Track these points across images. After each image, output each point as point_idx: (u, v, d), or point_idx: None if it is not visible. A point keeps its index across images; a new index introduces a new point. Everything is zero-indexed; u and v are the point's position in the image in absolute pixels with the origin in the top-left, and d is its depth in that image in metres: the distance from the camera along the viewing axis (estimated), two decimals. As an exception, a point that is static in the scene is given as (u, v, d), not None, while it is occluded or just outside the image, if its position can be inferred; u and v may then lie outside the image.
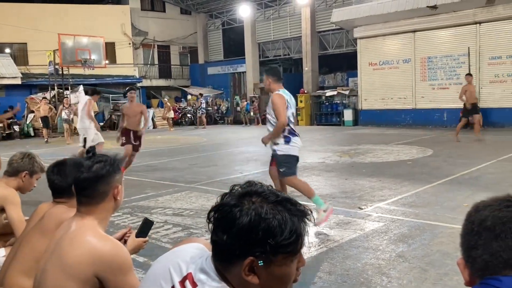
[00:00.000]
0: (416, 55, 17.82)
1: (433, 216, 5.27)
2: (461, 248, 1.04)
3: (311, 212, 1.15)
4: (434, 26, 16.98)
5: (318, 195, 5.13)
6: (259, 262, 1.06)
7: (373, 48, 18.93)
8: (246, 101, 24.25)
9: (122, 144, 8.75)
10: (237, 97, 26.26)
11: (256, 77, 25.19)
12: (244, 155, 11.42)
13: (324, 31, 22.71)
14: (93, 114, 9.67)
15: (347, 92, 20.86)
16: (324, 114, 21.76)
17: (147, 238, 2.18)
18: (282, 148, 5.06)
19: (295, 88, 23.20)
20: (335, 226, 5.09)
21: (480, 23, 16.00)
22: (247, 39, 25.43)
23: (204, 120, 23.38)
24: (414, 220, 5.20)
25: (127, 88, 8.83)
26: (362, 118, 19.70)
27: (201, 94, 24.86)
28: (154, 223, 2.71)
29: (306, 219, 1.12)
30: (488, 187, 6.68)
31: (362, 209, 5.75)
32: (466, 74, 12.53)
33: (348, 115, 20.24)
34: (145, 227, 2.18)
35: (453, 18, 16.41)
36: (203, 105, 24.13)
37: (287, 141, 5.06)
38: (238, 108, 25.38)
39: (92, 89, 10.22)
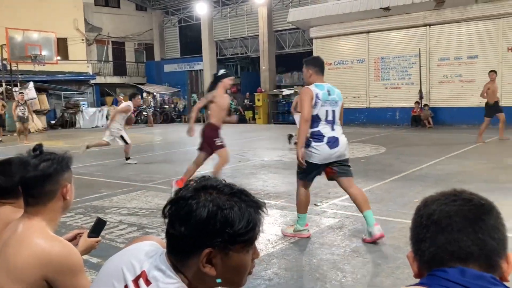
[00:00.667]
0: (370, 56, 18.29)
1: (385, 211, 5.42)
2: (410, 241, 1.07)
3: (265, 204, 1.16)
4: (387, 28, 17.48)
5: (305, 215, 4.66)
6: (217, 252, 1.08)
7: (329, 48, 19.26)
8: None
9: (219, 147, 6.48)
10: (195, 95, 26.05)
11: (214, 75, 25.10)
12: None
13: (281, 31, 22.90)
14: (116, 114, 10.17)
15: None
16: (282, 112, 21.96)
17: (99, 238, 2.13)
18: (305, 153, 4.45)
19: (252, 87, 23.33)
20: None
21: (430, 25, 16.61)
22: (204, 37, 25.28)
23: (151, 118, 23.23)
24: (367, 216, 5.33)
25: (223, 71, 6.95)
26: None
27: (148, 93, 24.72)
28: (107, 222, 2.65)
29: (261, 211, 1.14)
30: (438, 183, 6.95)
31: (317, 206, 5.84)
32: (490, 71, 11.63)
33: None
34: (98, 227, 2.12)
35: (404, 20, 16.95)
36: (152, 103, 24.07)
37: (307, 144, 4.39)
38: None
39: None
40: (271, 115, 22.20)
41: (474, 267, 0.97)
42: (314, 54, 19.63)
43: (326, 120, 4.40)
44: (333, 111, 4.42)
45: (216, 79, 6.56)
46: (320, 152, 4.38)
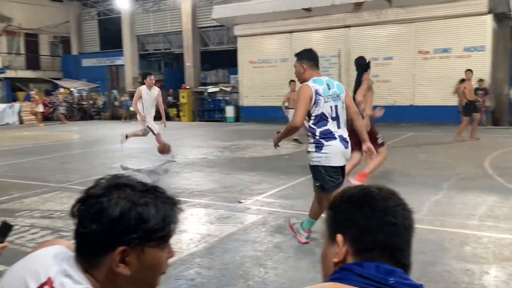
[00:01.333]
0: (293, 55, 18.63)
1: (307, 207, 5.51)
2: (348, 228, 1.05)
3: (180, 201, 1.13)
4: (309, 28, 17.93)
5: (314, 221, 4.24)
6: (131, 250, 1.03)
7: (253, 47, 19.41)
8: (126, 95, 23.28)
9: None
10: (115, 91, 25.11)
11: (136, 70, 24.34)
12: (123, 152, 10.93)
13: (205, 27, 22.72)
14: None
15: (229, 89, 21.14)
16: (207, 110, 21.80)
17: (5, 244, 1.93)
18: (313, 157, 3.97)
19: (177, 83, 22.93)
20: (215, 221, 5.10)
21: (349, 27, 17.29)
22: (125, 31, 24.44)
23: (61, 116, 22.24)
24: (290, 211, 5.42)
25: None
26: (244, 114, 20.11)
27: (65, 89, 23.65)
28: (16, 226, 2.43)
29: (176, 207, 1.11)
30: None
31: (241, 202, 5.84)
32: (467, 70, 11.73)
33: (230, 111, 20.54)
34: (2, 231, 1.93)
35: (325, 21, 17.49)
36: (69, 99, 23.09)
37: (319, 147, 3.91)
38: (116, 103, 24.28)
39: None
40: (196, 113, 21.97)
41: (390, 262, 1.00)
42: (239, 52, 19.76)
43: (332, 118, 3.93)
44: (336, 107, 3.94)
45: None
46: (337, 150, 3.88)
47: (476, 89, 15.12)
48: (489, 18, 14.91)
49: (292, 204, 5.74)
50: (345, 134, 4.02)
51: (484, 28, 15.03)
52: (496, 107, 16.38)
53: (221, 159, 9.69)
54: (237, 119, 20.29)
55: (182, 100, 21.50)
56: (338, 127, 3.96)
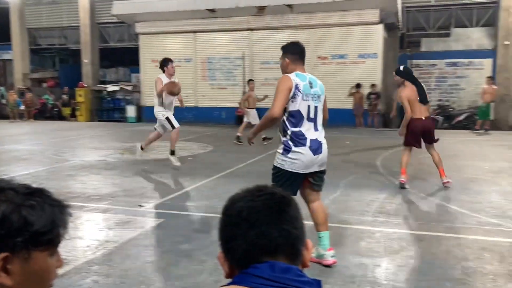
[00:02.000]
0: (197, 55, 18.55)
1: (211, 208, 5.49)
2: (220, 241, 1.07)
3: (69, 205, 1.04)
4: (213, 29, 17.92)
5: (325, 233, 3.83)
6: (15, 257, 0.92)
7: (156, 45, 18.94)
8: (14, 93, 21.42)
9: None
10: (2, 89, 23.00)
11: (26, 66, 22.54)
12: (11, 154, 10.04)
13: (105, 23, 21.70)
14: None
15: (130, 88, 20.41)
16: (106, 109, 20.81)
17: None
18: (278, 159, 3.68)
19: (73, 81, 21.63)
20: (115, 226, 4.85)
21: (253, 29, 17.57)
22: (14, 23, 22.48)
23: None
24: (194, 213, 5.34)
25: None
26: (146, 114, 19.50)
27: None
28: None
29: (65, 210, 1.02)
30: (260, 178, 7.33)
31: (142, 206, 5.63)
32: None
33: (131, 111, 19.82)
34: None
35: (230, 23, 17.61)
36: None
37: (286, 150, 3.60)
38: (4, 101, 22.27)
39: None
40: (95, 112, 20.89)
41: (282, 259, 1.00)
42: (141, 50, 19.17)
43: (309, 118, 3.60)
44: (316, 108, 3.61)
45: None
46: (304, 158, 3.56)
47: (369, 94, 16.22)
48: (380, 28, 16.05)
49: (196, 206, 5.66)
50: (322, 137, 3.69)
51: (376, 37, 16.15)
52: (386, 110, 17.69)
53: (121, 162, 9.29)
54: (139, 119, 19.65)
55: (79, 99, 20.32)
56: (315, 129, 3.65)
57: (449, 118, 17.39)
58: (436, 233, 4.57)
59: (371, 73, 16.32)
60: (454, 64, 19.08)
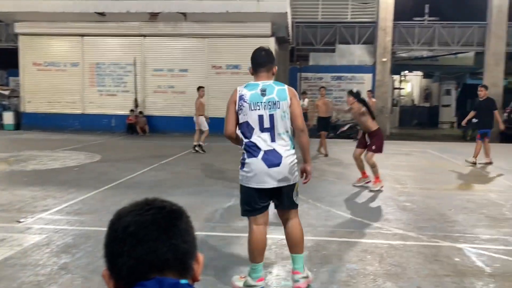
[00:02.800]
0: (84, 60, 17.59)
1: (98, 222, 5.18)
2: (105, 258, 1.00)
3: None
4: (103, 33, 17.16)
5: (258, 265, 3.47)
6: None
7: (38, 47, 17.63)
8: None
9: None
10: None
11: None
12: None
13: (-22, 21, 19.68)
14: None
15: (7, 93, 18.70)
16: (-21, 115, 18.82)
17: None
18: (239, 173, 3.43)
19: None
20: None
21: (145, 36, 17.14)
22: None
23: None
24: (79, 228, 4.99)
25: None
26: (25, 121, 18.02)
27: None
28: None
29: None
30: (152, 188, 7.13)
31: (21, 222, 5.14)
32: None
33: (8, 118, 18.13)
34: None
35: (121, 27, 16.99)
36: None
37: (241, 163, 3.38)
38: None
39: None
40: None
41: (171, 275, 0.97)
42: (20, 52, 17.68)
43: (262, 129, 3.31)
44: (271, 116, 3.29)
45: None
46: (257, 170, 3.28)
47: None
48: (272, 41, 16.61)
49: (81, 220, 5.29)
50: (282, 149, 3.34)
51: (268, 49, 16.68)
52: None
53: (-4, 173, 8.42)
54: (17, 126, 18.05)
55: None
56: (272, 140, 3.31)
57: (334, 128, 18.51)
58: (323, 238, 4.79)
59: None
60: (339, 78, 20.42)
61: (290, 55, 20.30)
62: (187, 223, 1.05)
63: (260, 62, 3.49)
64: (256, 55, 3.53)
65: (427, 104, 31.47)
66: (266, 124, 3.30)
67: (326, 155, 11.46)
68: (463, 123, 11.41)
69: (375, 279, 3.73)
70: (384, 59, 19.42)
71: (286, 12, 15.60)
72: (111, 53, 17.49)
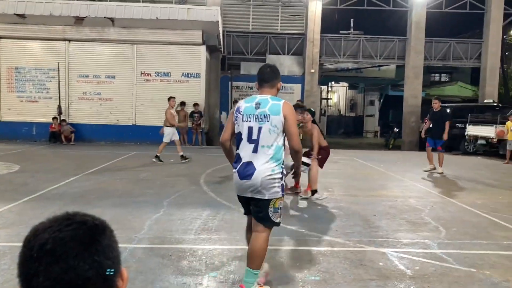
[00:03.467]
0: (1, 64, 16.51)
1: (15, 237, 4.83)
2: (19, 278, 0.92)
3: None
4: (23, 36, 16.21)
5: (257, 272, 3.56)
6: None
7: None
8: None
9: None
10: None
11: None
12: None
13: None
14: None
15: None
16: None
17: None
18: None
19: None
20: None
21: (69, 40, 16.40)
22: None
23: None
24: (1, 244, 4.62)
25: None
26: None
27: None
28: None
29: None
30: (76, 200, 6.79)
31: None
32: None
33: None
34: None
35: (42, 31, 16.15)
36: None
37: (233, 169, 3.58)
38: None
39: None
40: None
41: None
42: None
43: (250, 140, 3.44)
44: (259, 128, 3.40)
45: None
46: (234, 180, 3.53)
47: (192, 112, 16.55)
48: (203, 49, 16.56)
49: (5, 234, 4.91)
50: (260, 162, 3.39)
51: (199, 57, 16.61)
52: (209, 129, 18.25)
53: None
54: None
55: None
56: (255, 151, 3.41)
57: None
58: (254, 247, 4.80)
59: (195, 92, 16.69)
60: (269, 87, 20.68)
61: (222, 63, 20.35)
62: (111, 238, 1.01)
63: (265, 78, 3.63)
64: (261, 71, 3.69)
65: (352, 114, 32.88)
66: (254, 136, 3.42)
67: None
68: (422, 134, 11.88)
69: (304, 286, 3.78)
70: (312, 70, 20.02)
71: (217, 21, 15.63)
72: (32, 57, 16.55)
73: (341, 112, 33.77)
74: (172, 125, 11.40)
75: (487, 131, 15.34)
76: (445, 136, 11.09)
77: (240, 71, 20.84)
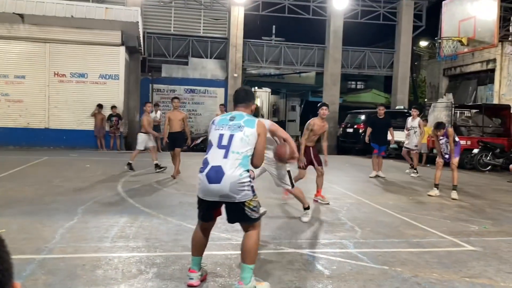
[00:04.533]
0: None
1: None
2: None
3: None
4: None
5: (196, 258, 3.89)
6: None
7: None
8: None
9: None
10: None
11: None
12: None
13: None
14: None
15: None
16: None
17: None
18: None
19: None
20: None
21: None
22: None
23: None
24: None
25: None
26: None
27: None
28: None
29: None
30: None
31: None
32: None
33: None
34: None
35: None
36: None
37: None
38: None
39: None
40: None
41: None
42: None
43: (220, 145, 3.55)
44: (231, 136, 3.54)
45: None
46: (201, 183, 3.56)
47: (110, 115, 15.93)
48: (122, 50, 16.02)
49: None
50: (228, 166, 3.47)
51: (118, 58, 16.04)
52: (128, 133, 17.65)
53: None
54: None
55: None
56: (225, 156, 3.50)
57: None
58: (174, 253, 4.67)
59: (113, 95, 16.09)
60: (192, 91, 20.59)
61: (142, 66, 19.83)
62: (1, 249, 0.93)
63: (239, 99, 3.89)
64: (237, 93, 3.96)
65: (275, 119, 33.48)
66: (224, 142, 3.55)
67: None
68: (366, 140, 11.72)
69: (224, 291, 3.73)
70: (236, 75, 20.14)
71: (137, 22, 15.21)
72: None
73: (264, 117, 34.31)
74: (146, 132, 10.68)
75: (399, 136, 16.32)
76: (392, 141, 11.65)
77: (161, 74, 20.44)
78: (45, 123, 15.73)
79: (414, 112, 12.53)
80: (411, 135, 12.45)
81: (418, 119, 12.46)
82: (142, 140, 10.71)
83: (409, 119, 12.74)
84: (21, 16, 14.72)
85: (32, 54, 15.60)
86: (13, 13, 14.47)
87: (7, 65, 15.43)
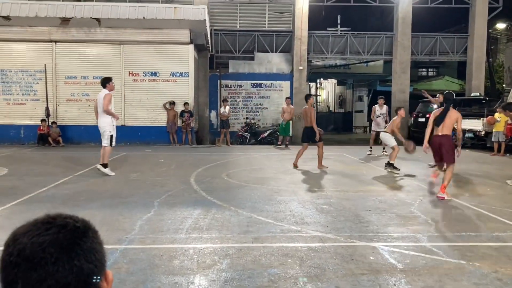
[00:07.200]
0: (-11, 65, 16.32)
1: (2, 242, 4.78)
2: (1, 284, 0.91)
3: None
4: (8, 38, 16.01)
5: None
6: None
7: None
8: None
9: None
10: None
11: None
12: None
13: None
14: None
15: None
16: None
17: None
18: None
19: None
20: None
21: (56, 41, 16.25)
22: None
23: None
24: (-18, 249, 4.57)
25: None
26: None
27: None
28: None
29: None
30: (65, 202, 6.74)
31: None
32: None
33: None
34: None
35: (28, 33, 15.98)
36: None
37: None
38: None
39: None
40: None
41: None
42: None
43: None
44: None
45: None
46: None
47: (182, 112, 16.49)
48: (191, 48, 16.50)
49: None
50: None
51: (187, 56, 16.54)
52: (199, 128, 18.20)
53: None
54: None
55: None
56: None
57: (255, 135, 18.75)
58: (245, 244, 4.80)
59: (183, 92, 16.62)
60: (258, 85, 20.75)
61: (210, 62, 20.30)
62: (94, 240, 0.98)
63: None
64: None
65: (341, 110, 32.97)
66: None
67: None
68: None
69: (296, 282, 3.80)
70: (301, 67, 20.05)
71: (205, 20, 15.58)
72: (18, 60, 16.37)
73: (330, 109, 33.87)
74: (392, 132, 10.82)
75: (474, 124, 15.49)
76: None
77: (228, 70, 20.81)
78: (122, 121, 16.58)
79: (381, 100, 14.19)
80: (380, 121, 14.02)
81: (385, 106, 14.20)
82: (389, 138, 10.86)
83: (377, 106, 14.17)
84: (98, 20, 15.59)
85: (108, 56, 16.50)
86: (91, 17, 15.37)
87: (86, 67, 16.43)
